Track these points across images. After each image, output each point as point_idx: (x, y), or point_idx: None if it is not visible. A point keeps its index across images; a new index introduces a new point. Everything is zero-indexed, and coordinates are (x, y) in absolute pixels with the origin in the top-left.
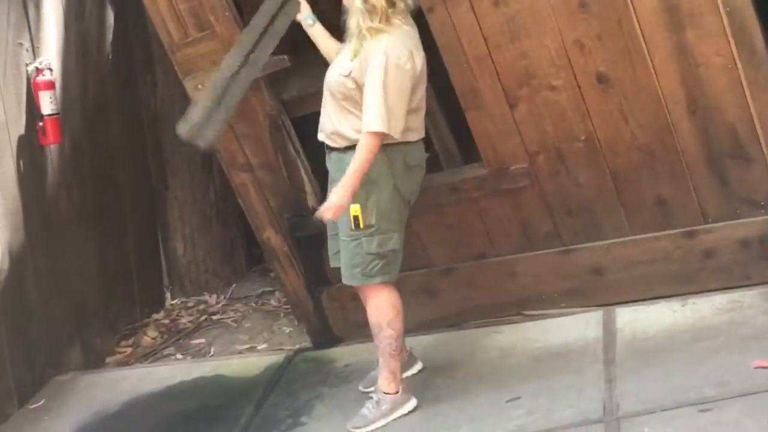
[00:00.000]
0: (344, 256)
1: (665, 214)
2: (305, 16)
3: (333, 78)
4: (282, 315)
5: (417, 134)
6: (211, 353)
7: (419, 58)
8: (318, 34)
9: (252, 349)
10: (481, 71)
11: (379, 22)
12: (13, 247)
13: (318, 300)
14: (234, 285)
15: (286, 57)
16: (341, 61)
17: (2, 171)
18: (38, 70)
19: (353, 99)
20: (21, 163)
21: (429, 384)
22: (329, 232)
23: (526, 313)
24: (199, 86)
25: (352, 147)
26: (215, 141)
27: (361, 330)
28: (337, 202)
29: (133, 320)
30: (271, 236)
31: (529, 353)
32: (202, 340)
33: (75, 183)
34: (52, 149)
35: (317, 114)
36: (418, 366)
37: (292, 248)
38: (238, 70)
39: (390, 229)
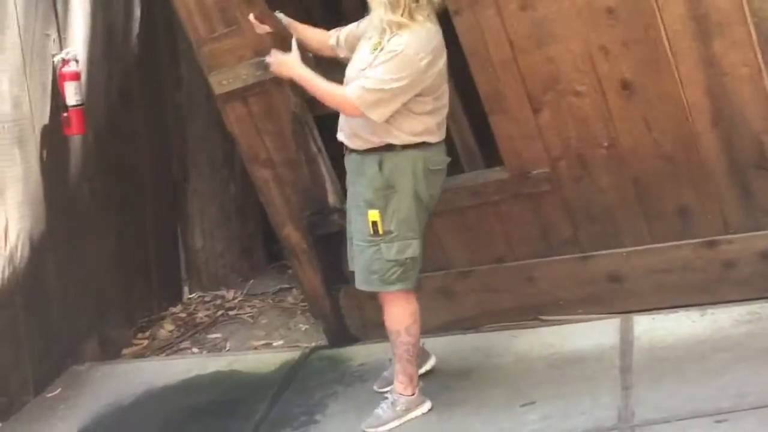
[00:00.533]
0: (360, 261)
1: (686, 223)
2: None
3: (353, 74)
4: (299, 312)
5: (437, 137)
6: (227, 348)
7: (440, 58)
8: (291, 25)
9: (268, 346)
10: (505, 75)
11: (402, 16)
12: (33, 236)
13: (335, 298)
14: (251, 281)
15: (311, 54)
16: (361, 57)
17: (25, 161)
18: (64, 61)
19: None
20: (44, 153)
21: (443, 386)
22: (349, 235)
23: (543, 318)
24: (224, 82)
25: (372, 150)
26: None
27: (378, 329)
28: (284, 67)
29: (150, 313)
30: (290, 233)
31: (545, 358)
32: (219, 335)
33: (97, 174)
34: (75, 140)
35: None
36: (432, 361)
37: (311, 246)
38: None
39: (409, 236)
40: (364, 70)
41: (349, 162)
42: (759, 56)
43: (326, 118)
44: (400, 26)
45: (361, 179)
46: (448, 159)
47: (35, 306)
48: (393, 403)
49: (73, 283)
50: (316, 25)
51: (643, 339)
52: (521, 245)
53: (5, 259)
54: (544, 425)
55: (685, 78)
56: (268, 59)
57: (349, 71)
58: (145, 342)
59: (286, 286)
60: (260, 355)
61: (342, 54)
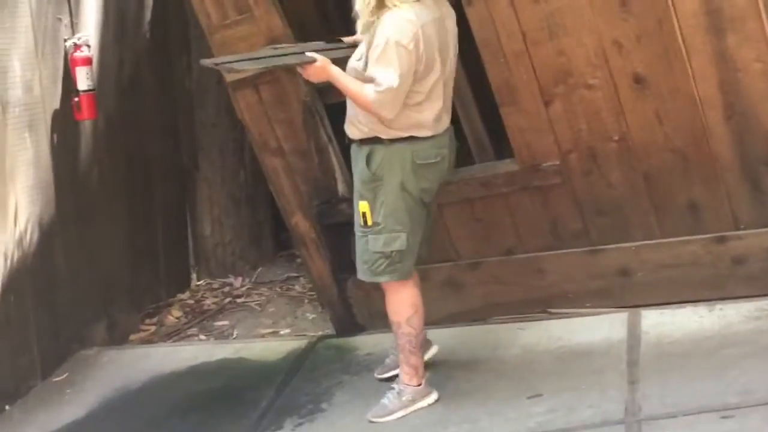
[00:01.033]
0: (357, 251)
1: (696, 218)
2: None
3: (350, 64)
4: (306, 301)
5: (428, 130)
6: (234, 336)
7: (426, 40)
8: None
9: (275, 334)
10: (517, 67)
11: (376, 3)
12: (43, 220)
13: (343, 287)
14: (260, 269)
15: (322, 42)
16: (360, 48)
17: (36, 145)
18: (76, 46)
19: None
20: (55, 137)
21: (450, 377)
22: None
23: (551, 311)
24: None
25: (364, 141)
26: (236, 72)
27: (385, 319)
28: (320, 71)
29: (158, 299)
30: (299, 221)
31: (553, 351)
32: (226, 322)
33: (107, 159)
34: (86, 125)
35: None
36: (433, 350)
37: (320, 235)
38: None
39: (396, 229)
40: (359, 60)
41: (352, 152)
42: None
43: (337, 107)
44: (381, 8)
45: (355, 170)
46: (443, 152)
47: (44, 290)
48: (399, 393)
49: (82, 268)
50: (328, 19)
51: (651, 333)
52: (530, 238)
53: (14, 243)
54: (551, 418)
55: (697, 73)
56: (303, 71)
57: (348, 62)
58: (153, 328)
59: (294, 274)
60: (267, 343)
61: None
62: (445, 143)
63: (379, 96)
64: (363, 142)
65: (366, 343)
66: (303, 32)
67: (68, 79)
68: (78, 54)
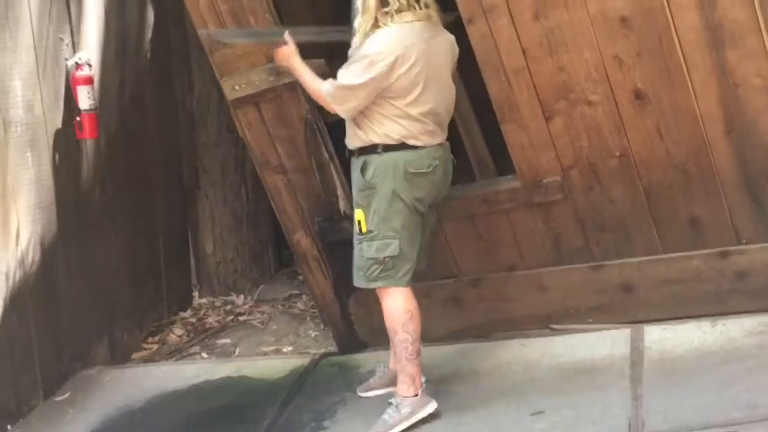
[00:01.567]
0: (354, 259)
1: (698, 233)
2: None
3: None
4: (308, 318)
5: (420, 141)
6: (237, 354)
7: (412, 61)
8: None
9: (277, 352)
10: (518, 84)
11: (373, 21)
12: (45, 239)
13: (345, 305)
14: (261, 286)
15: (323, 61)
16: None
17: (38, 164)
18: (77, 65)
19: None
20: (57, 156)
21: (452, 393)
22: None
23: (554, 327)
24: (236, 87)
25: (361, 151)
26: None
27: (387, 336)
28: (285, 57)
29: (160, 317)
30: (301, 239)
31: (555, 368)
32: (228, 340)
33: (109, 179)
34: (87, 144)
35: None
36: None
37: (322, 252)
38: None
39: (389, 236)
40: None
41: (351, 164)
42: None
43: (338, 125)
44: (373, 28)
45: (353, 181)
46: (435, 163)
47: (46, 309)
48: (397, 407)
49: (84, 287)
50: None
51: (653, 349)
52: (532, 254)
53: (16, 262)
54: None
55: (698, 88)
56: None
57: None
58: (155, 347)
59: (296, 292)
60: (270, 360)
61: None
62: (438, 156)
63: (333, 89)
64: (360, 152)
65: (368, 360)
66: (302, 47)
67: (70, 99)
68: (79, 73)
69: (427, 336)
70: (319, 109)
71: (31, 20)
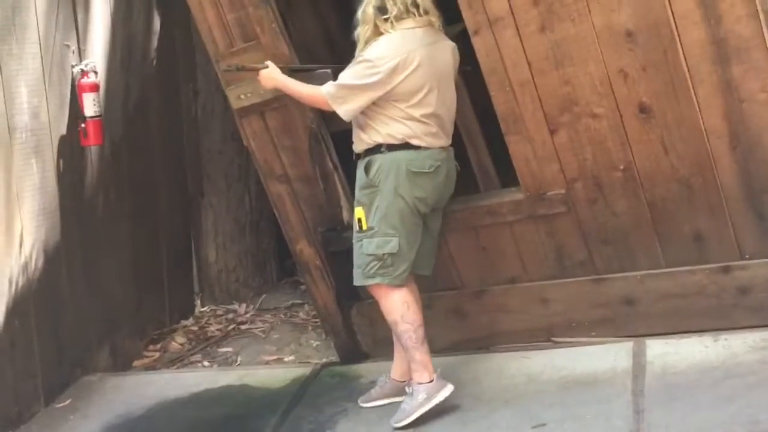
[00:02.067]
0: (354, 258)
1: (701, 248)
2: None
3: None
4: (310, 328)
5: (423, 142)
6: (238, 362)
7: (413, 66)
8: None
9: (279, 361)
10: (523, 96)
11: (373, 29)
12: (48, 245)
13: (347, 314)
14: (264, 295)
15: (329, 71)
16: None
17: (42, 170)
18: (83, 72)
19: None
20: (61, 163)
21: (454, 405)
22: None
23: (556, 340)
24: (242, 96)
25: (367, 151)
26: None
27: (389, 347)
28: (270, 78)
29: (162, 325)
30: (304, 248)
31: (557, 380)
32: (230, 349)
33: (113, 185)
34: (92, 151)
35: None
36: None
37: (325, 262)
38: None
39: (389, 233)
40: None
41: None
42: None
43: (342, 135)
44: (374, 36)
45: (361, 183)
46: (437, 164)
47: (48, 315)
48: (413, 395)
49: (86, 293)
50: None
51: (655, 363)
52: (535, 266)
53: (20, 268)
54: None
55: (703, 102)
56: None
57: None
58: (157, 354)
59: (299, 301)
60: (271, 370)
61: None
62: (441, 158)
63: (334, 89)
64: (365, 153)
65: (370, 370)
66: (310, 58)
67: (75, 105)
68: (85, 80)
69: (430, 347)
70: (324, 119)
71: (37, 27)
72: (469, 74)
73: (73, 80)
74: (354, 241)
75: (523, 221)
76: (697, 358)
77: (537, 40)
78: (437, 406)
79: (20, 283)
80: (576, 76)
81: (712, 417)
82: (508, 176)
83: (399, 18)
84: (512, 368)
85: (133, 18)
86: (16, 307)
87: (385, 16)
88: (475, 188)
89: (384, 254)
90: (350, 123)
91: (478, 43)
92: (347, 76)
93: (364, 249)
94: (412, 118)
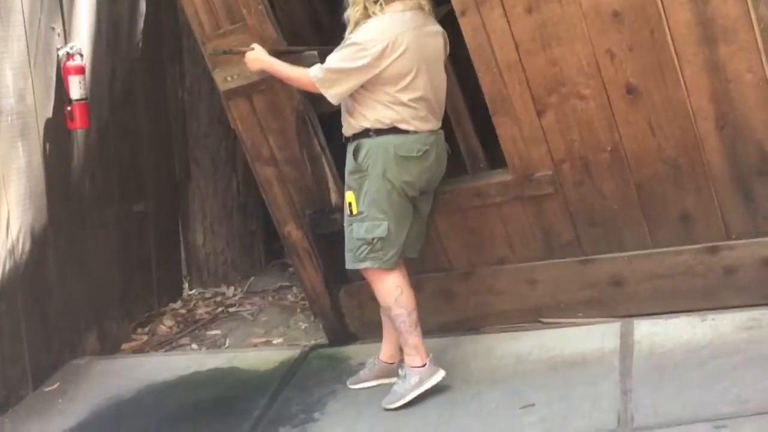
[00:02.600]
0: (345, 242)
1: (688, 228)
2: None
3: None
4: (298, 310)
5: (411, 126)
6: (227, 345)
7: (402, 49)
8: None
9: (267, 343)
10: (510, 77)
11: (362, 11)
12: (35, 229)
13: (336, 297)
14: (252, 278)
15: (316, 53)
16: None
17: (28, 154)
18: (69, 55)
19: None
20: (47, 146)
21: (443, 386)
22: None
23: (544, 320)
24: (229, 78)
25: (354, 136)
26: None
27: (377, 329)
28: (256, 59)
29: (150, 308)
30: (292, 231)
31: (545, 361)
32: (218, 332)
33: (99, 169)
34: (78, 134)
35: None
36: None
37: (313, 244)
38: None
39: (378, 218)
40: None
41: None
42: (764, 63)
43: (330, 117)
44: (363, 18)
45: (346, 164)
46: (425, 148)
47: (35, 299)
48: (405, 378)
49: (74, 277)
50: (321, 27)
51: (643, 343)
52: (523, 247)
53: (6, 252)
54: (544, 428)
55: (690, 83)
56: (250, 55)
57: None
58: (145, 337)
59: (287, 284)
60: (259, 352)
61: None
62: (430, 142)
63: (321, 72)
64: (354, 137)
65: (358, 352)
66: (296, 41)
67: (61, 88)
68: (71, 63)
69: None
70: (311, 101)
71: (22, 9)
72: (457, 55)
73: (58, 63)
74: (345, 224)
75: (510, 202)
76: (684, 338)
77: (524, 20)
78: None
79: (7, 267)
80: (563, 56)
81: (700, 397)
82: (495, 158)
83: (388, 0)
84: (501, 349)
85: (118, 0)
86: (3, 291)
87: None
88: (463, 170)
89: (373, 238)
90: (339, 106)
91: (465, 24)
92: (335, 59)
93: (354, 233)
94: (400, 103)
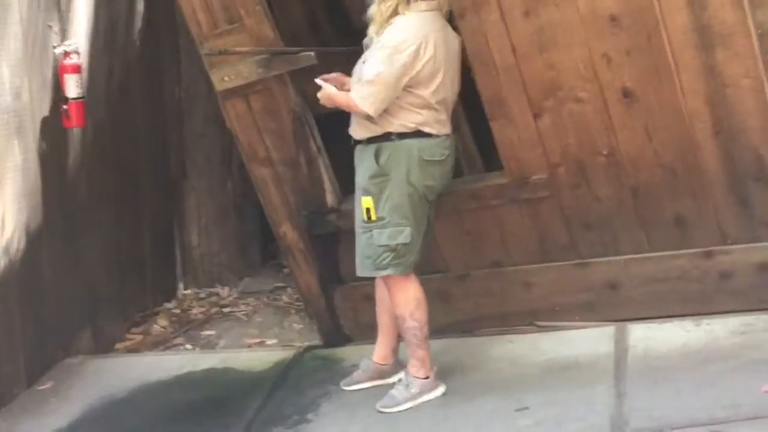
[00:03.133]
0: (357, 248)
1: (684, 232)
2: None
3: (357, 67)
4: (293, 312)
5: (435, 130)
6: (221, 346)
7: (434, 48)
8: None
9: (261, 344)
10: (508, 80)
11: (394, 8)
12: (30, 227)
13: (330, 298)
14: (247, 279)
15: (312, 54)
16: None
17: (24, 152)
18: (66, 53)
19: None
20: (43, 144)
21: None
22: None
23: (539, 323)
24: (226, 78)
25: (372, 139)
26: None
27: (372, 331)
28: (327, 98)
29: (144, 308)
30: (287, 231)
31: (540, 364)
32: (212, 332)
33: (95, 167)
34: (74, 133)
35: (340, 113)
36: (398, 376)
37: (308, 245)
38: None
39: (401, 223)
40: (364, 62)
41: (355, 154)
42: (761, 68)
43: (327, 118)
44: (393, 14)
45: (360, 168)
46: (447, 152)
47: (30, 297)
48: (407, 386)
49: (68, 275)
50: (320, 26)
51: (638, 347)
52: (519, 250)
53: (2, 250)
54: (538, 430)
55: (686, 88)
56: (320, 94)
57: (355, 67)
58: (139, 337)
59: (281, 285)
60: (254, 353)
61: None
62: (448, 146)
63: (362, 89)
64: (371, 140)
65: (352, 354)
66: (294, 41)
67: (57, 87)
68: (67, 61)
69: None
70: (308, 102)
71: (19, 7)
72: None
73: (55, 61)
74: (359, 231)
75: (506, 205)
76: (678, 342)
77: (522, 24)
78: None
79: (2, 265)
80: (560, 60)
81: (694, 401)
82: (491, 160)
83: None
84: (496, 352)
85: None
86: None
87: None
88: (458, 172)
89: (397, 245)
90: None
91: (464, 27)
92: (372, 69)
93: (374, 240)
94: (427, 105)
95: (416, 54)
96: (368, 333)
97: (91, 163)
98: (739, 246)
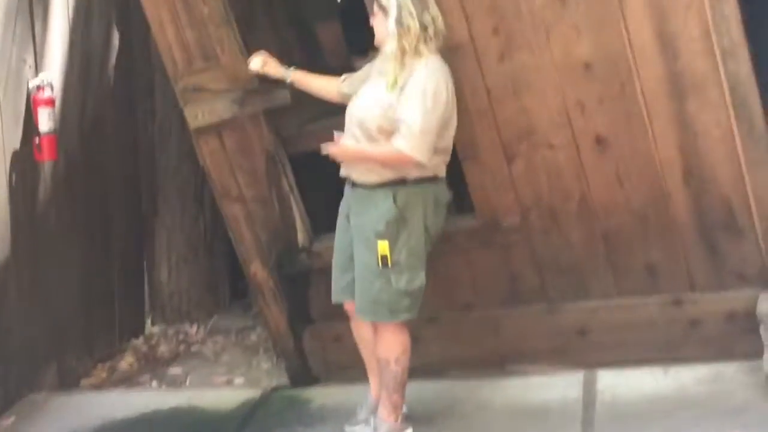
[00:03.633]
0: (366, 293)
1: (654, 279)
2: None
3: (368, 113)
4: (261, 351)
5: (441, 173)
6: (188, 384)
7: (452, 92)
8: (302, 78)
9: (229, 383)
10: (481, 123)
11: (416, 45)
12: None
13: (299, 338)
14: (215, 317)
15: (287, 92)
16: (374, 95)
17: None
18: (39, 87)
19: (391, 132)
20: (13, 177)
21: None
22: (339, 267)
23: (508, 368)
24: (199, 115)
25: (383, 184)
26: None
27: (340, 371)
28: (345, 153)
29: (111, 344)
30: (257, 270)
31: (508, 409)
32: (179, 370)
33: (65, 202)
34: (46, 166)
35: (314, 153)
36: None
37: (278, 284)
38: None
39: (417, 267)
40: (386, 110)
41: (355, 195)
42: (732, 119)
43: (299, 158)
44: (414, 55)
45: (370, 212)
46: (449, 195)
47: None
48: (375, 429)
49: (35, 310)
50: (293, 57)
51: (606, 394)
52: (489, 294)
53: None
54: None
55: (658, 136)
56: (324, 147)
57: (359, 110)
58: (105, 374)
59: (250, 324)
60: (221, 392)
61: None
62: (445, 188)
63: (410, 141)
64: (384, 185)
65: (320, 394)
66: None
67: (30, 120)
68: (41, 95)
69: None
70: (282, 141)
71: None
72: None
73: (28, 94)
74: (372, 276)
75: (477, 249)
76: (647, 389)
77: (496, 68)
78: None
79: None
80: (534, 105)
81: None
82: (462, 202)
83: (434, 36)
84: (464, 396)
85: (91, 34)
86: None
87: (426, 33)
88: None
89: (414, 289)
90: (309, 145)
91: None
92: (416, 118)
93: (393, 285)
94: (444, 150)
95: (448, 96)
96: (336, 373)
97: (61, 197)
98: (709, 294)
